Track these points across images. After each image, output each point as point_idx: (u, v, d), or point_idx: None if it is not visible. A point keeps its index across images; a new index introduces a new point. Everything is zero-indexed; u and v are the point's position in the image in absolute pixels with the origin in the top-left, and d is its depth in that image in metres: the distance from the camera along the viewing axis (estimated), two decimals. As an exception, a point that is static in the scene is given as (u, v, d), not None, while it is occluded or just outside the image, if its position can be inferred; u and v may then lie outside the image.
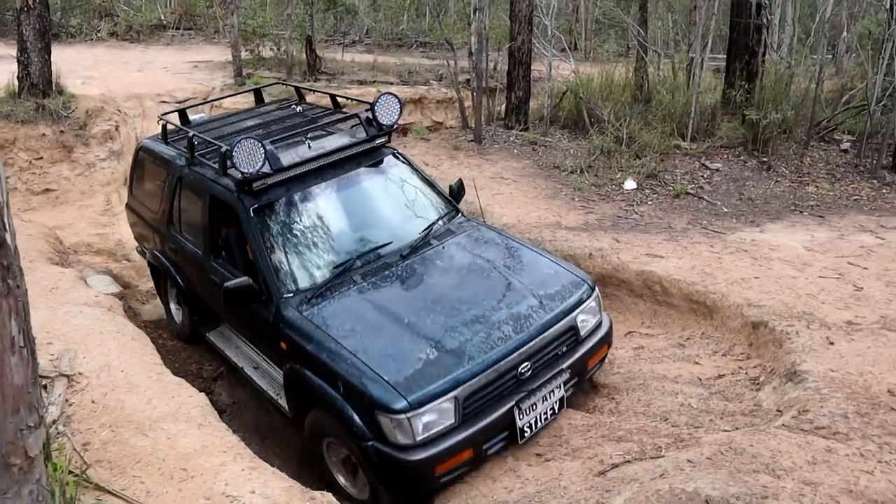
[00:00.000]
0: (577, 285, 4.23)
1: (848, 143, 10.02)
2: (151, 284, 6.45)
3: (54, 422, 3.14)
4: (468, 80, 15.62)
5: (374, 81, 15.91)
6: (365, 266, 4.35)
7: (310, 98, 6.30)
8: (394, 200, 4.90)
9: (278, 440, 4.73)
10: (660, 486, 3.07)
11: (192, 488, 2.76)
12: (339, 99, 5.66)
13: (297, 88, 6.11)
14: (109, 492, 2.64)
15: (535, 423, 3.84)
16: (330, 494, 3.06)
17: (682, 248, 6.16)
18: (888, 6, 10.18)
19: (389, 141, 5.08)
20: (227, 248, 4.75)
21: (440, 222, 4.80)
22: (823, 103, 10.77)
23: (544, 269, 4.41)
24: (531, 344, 3.82)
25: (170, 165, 5.40)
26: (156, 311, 6.54)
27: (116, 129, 10.63)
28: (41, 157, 9.91)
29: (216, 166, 4.69)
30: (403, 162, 5.14)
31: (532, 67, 10.53)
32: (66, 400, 3.37)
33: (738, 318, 4.94)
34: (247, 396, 5.12)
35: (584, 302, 4.14)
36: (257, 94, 6.34)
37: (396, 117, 4.88)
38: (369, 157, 4.93)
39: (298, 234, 4.52)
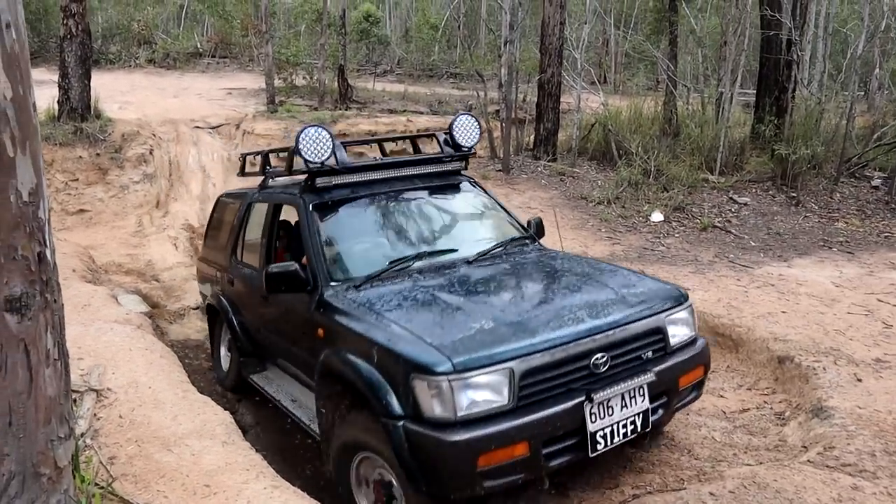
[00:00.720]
0: (668, 293, 3.66)
1: (879, 181, 9.93)
2: (179, 305, 6.55)
3: (82, 435, 3.22)
4: (497, 112, 15.86)
5: (405, 111, 16.19)
6: (424, 265, 3.98)
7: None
8: (464, 219, 4.61)
9: (300, 462, 4.77)
10: (680, 521, 3.05)
11: (215, 505, 2.81)
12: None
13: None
14: (132, 504, 2.69)
15: (613, 433, 3.13)
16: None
17: (709, 281, 6.13)
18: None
19: (467, 167, 4.82)
20: (279, 252, 4.64)
21: (514, 243, 4.37)
22: (854, 140, 10.71)
23: (630, 277, 3.89)
24: (609, 333, 3.22)
25: (243, 198, 5.44)
26: (182, 330, 6.65)
27: (150, 153, 10.92)
28: (77, 179, 10.21)
29: (286, 182, 4.75)
30: (480, 189, 4.85)
31: (561, 99, 10.64)
32: (95, 414, 3.45)
33: (764, 352, 4.90)
34: (270, 417, 5.18)
35: (674, 308, 3.55)
36: None
37: (476, 139, 4.63)
38: (444, 179, 4.67)
39: (356, 232, 4.29)
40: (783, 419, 4.33)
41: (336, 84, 16.37)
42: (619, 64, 24.67)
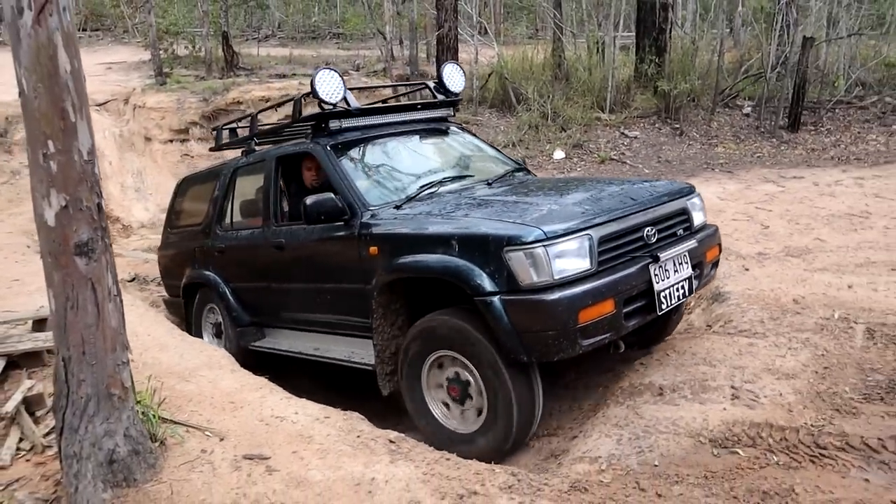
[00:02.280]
0: (681, 185, 4.26)
1: (749, 108, 11.26)
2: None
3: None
4: (384, 69, 16.29)
5: (294, 75, 16.32)
6: (451, 188, 4.33)
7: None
8: (466, 155, 5.00)
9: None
10: (621, 383, 3.87)
11: (245, 415, 3.35)
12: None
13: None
14: (178, 423, 3.20)
15: (671, 294, 3.63)
16: (358, 414, 3.65)
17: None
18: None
19: (456, 113, 5.26)
20: (296, 201, 4.70)
21: (518, 172, 4.86)
22: (725, 73, 12.00)
23: (644, 179, 4.48)
24: (650, 210, 3.74)
25: (220, 172, 5.59)
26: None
27: (45, 134, 10.70)
28: (-40, 167, 9.94)
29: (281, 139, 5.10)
30: (469, 132, 5.34)
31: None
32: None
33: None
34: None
35: (690, 195, 4.14)
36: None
37: (462, 86, 5.07)
38: (438, 123, 5.10)
39: (376, 166, 4.56)
40: (689, 309, 5.26)
41: (221, 52, 16.27)
42: (498, 15, 25.55)
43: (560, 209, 3.56)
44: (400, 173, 4.55)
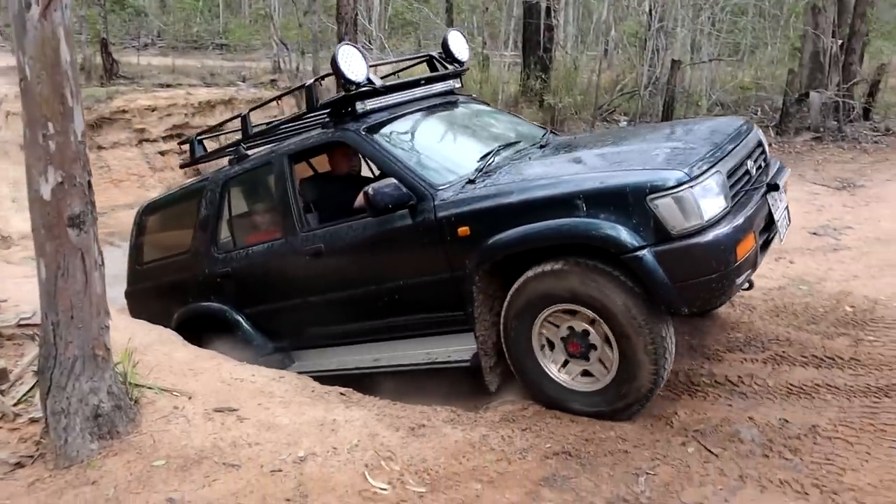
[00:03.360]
0: (741, 119, 4.18)
1: (625, 122, 12.49)
2: None
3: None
4: (272, 81, 16.58)
5: (179, 84, 16.30)
6: (506, 155, 4.10)
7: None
8: (494, 122, 4.86)
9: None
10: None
11: (206, 378, 3.74)
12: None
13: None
14: (148, 386, 3.56)
15: (782, 224, 3.65)
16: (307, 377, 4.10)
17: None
18: (648, 11, 12.82)
19: (462, 85, 4.99)
20: (324, 203, 4.44)
21: (553, 136, 4.66)
22: (603, 90, 13.23)
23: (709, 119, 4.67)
24: (740, 143, 3.63)
25: (201, 188, 4.98)
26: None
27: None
28: None
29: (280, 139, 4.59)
30: (483, 102, 5.23)
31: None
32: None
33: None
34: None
35: (753, 129, 4.02)
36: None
37: (469, 54, 4.93)
38: (453, 95, 4.87)
39: (419, 144, 4.27)
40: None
41: (100, 59, 15.99)
42: (383, 30, 26.34)
43: (683, 149, 3.44)
44: (444, 148, 4.37)
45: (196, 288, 4.94)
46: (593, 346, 3.39)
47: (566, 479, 2.91)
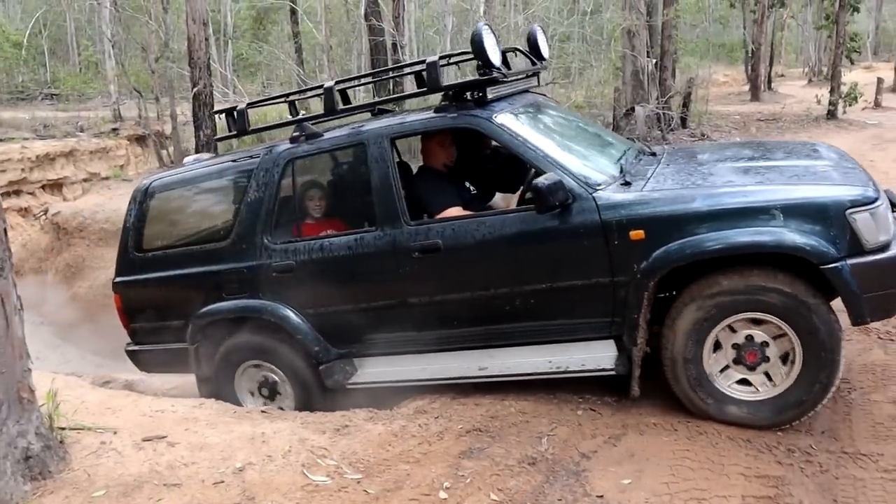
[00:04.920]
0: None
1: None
2: None
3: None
4: (114, 129, 16.19)
5: (11, 138, 15.52)
6: (641, 158, 4.19)
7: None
8: (584, 124, 4.84)
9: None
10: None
11: (126, 414, 3.86)
12: None
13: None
14: (74, 428, 3.64)
15: None
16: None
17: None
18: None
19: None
20: (438, 192, 4.12)
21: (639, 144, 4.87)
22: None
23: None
24: None
25: (253, 166, 4.34)
26: None
27: None
28: None
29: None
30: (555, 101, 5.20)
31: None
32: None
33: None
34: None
35: None
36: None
37: (548, 49, 4.86)
38: (533, 95, 4.72)
39: (552, 139, 4.05)
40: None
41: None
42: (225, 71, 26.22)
43: (848, 168, 3.73)
44: (570, 147, 4.13)
45: (238, 282, 4.33)
46: (767, 359, 3.45)
47: (481, 450, 3.38)
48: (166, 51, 11.24)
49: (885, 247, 3.25)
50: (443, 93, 4.10)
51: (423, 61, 4.12)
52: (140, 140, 16.15)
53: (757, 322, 3.41)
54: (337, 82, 4.42)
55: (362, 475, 3.19)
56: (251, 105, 4.81)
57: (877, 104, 18.04)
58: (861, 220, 3.21)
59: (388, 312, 4.05)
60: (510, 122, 3.90)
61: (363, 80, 5.56)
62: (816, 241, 3.20)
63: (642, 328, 3.53)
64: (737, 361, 3.48)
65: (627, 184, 3.66)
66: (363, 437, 3.53)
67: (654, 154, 4.35)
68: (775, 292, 3.30)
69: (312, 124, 4.34)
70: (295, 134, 4.31)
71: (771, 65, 25.61)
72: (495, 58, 3.82)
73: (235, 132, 4.59)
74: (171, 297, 4.62)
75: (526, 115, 4.15)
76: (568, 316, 3.74)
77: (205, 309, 4.41)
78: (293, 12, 15.16)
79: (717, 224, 3.34)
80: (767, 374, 3.46)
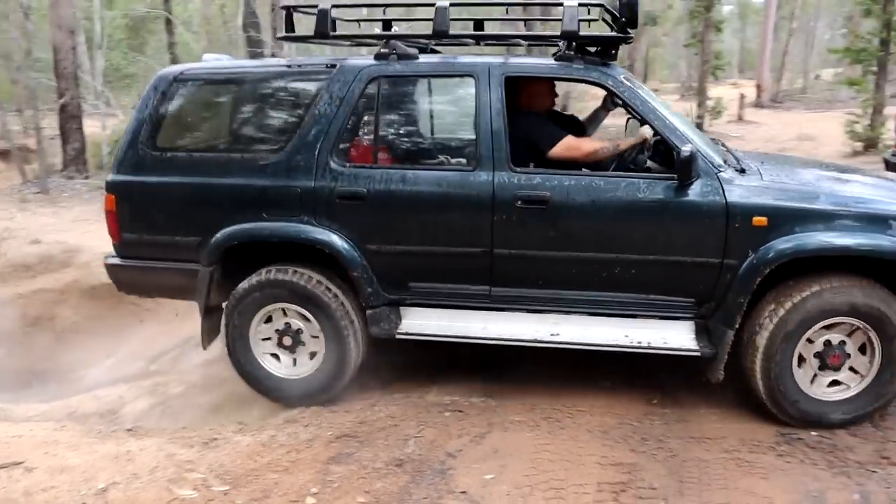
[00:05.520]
0: None
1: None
2: None
3: None
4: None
5: None
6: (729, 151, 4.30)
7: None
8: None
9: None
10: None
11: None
12: None
13: None
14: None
15: None
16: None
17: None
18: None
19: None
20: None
21: None
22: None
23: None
24: None
25: (321, 74, 3.98)
26: None
27: None
28: None
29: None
30: None
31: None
32: None
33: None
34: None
35: None
36: None
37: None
38: None
39: (662, 110, 3.85)
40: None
41: None
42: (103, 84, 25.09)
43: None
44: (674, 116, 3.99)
45: (287, 202, 3.90)
46: (848, 355, 3.62)
47: (349, 455, 3.48)
48: (29, 60, 10.70)
49: None
50: (567, 42, 3.91)
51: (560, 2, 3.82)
52: (2, 155, 15.30)
53: (828, 326, 3.61)
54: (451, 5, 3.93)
55: (230, 486, 3.22)
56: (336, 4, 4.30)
57: (740, 118, 19.53)
58: None
59: (465, 260, 3.85)
60: (636, 84, 3.89)
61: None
62: None
63: (741, 313, 3.62)
64: (825, 367, 3.66)
65: (742, 171, 3.75)
66: (231, 448, 3.56)
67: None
68: (861, 294, 3.51)
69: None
70: (383, 51, 3.98)
71: (645, 80, 27.12)
72: (634, 18, 3.74)
73: (314, 34, 4.10)
74: (189, 208, 4.04)
75: (626, 81, 3.91)
76: (661, 291, 3.77)
77: (235, 227, 3.91)
78: (168, 22, 14.81)
79: (839, 224, 3.52)
80: (854, 370, 3.66)
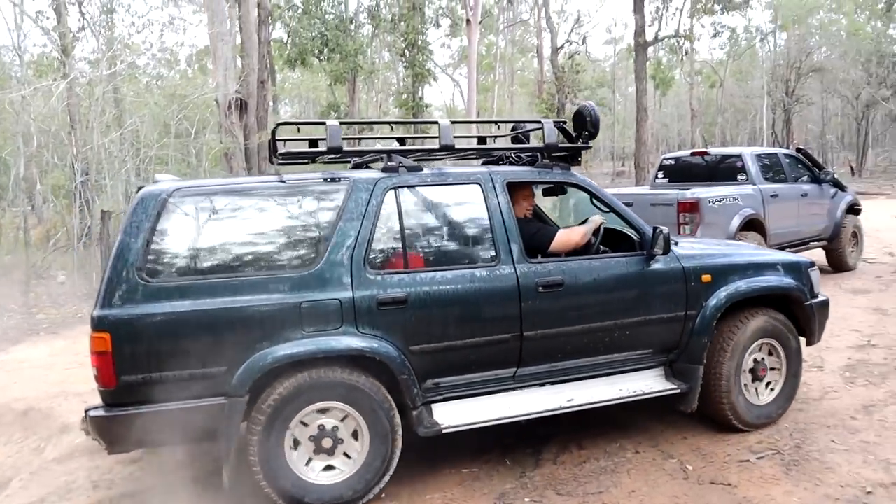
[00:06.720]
0: None
1: (63, 277, 12.41)
2: None
3: None
4: None
5: None
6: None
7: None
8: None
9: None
10: None
11: None
12: None
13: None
14: None
15: None
16: None
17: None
18: (71, 165, 13.14)
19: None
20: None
21: None
22: (35, 247, 12.94)
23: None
24: None
25: (337, 189, 4.20)
26: None
27: None
28: None
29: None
30: None
31: None
32: None
33: (9, 412, 6.45)
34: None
35: None
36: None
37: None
38: None
39: (620, 203, 4.97)
40: (41, 451, 6.02)
41: None
42: None
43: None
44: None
45: (327, 314, 3.90)
46: (773, 369, 5.13)
47: None
48: None
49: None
50: (541, 152, 4.89)
51: (539, 121, 4.96)
52: None
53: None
54: (452, 122, 4.74)
55: None
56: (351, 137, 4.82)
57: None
58: (815, 275, 5.23)
59: (499, 346, 4.28)
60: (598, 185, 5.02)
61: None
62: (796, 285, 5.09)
63: (706, 350, 4.74)
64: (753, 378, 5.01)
65: (675, 243, 4.82)
66: None
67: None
68: (778, 321, 5.04)
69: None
70: (391, 164, 4.38)
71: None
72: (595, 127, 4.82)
73: (327, 150, 4.40)
74: (214, 335, 3.74)
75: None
76: (645, 346, 4.75)
77: (278, 350, 3.79)
78: None
79: (749, 273, 4.92)
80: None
